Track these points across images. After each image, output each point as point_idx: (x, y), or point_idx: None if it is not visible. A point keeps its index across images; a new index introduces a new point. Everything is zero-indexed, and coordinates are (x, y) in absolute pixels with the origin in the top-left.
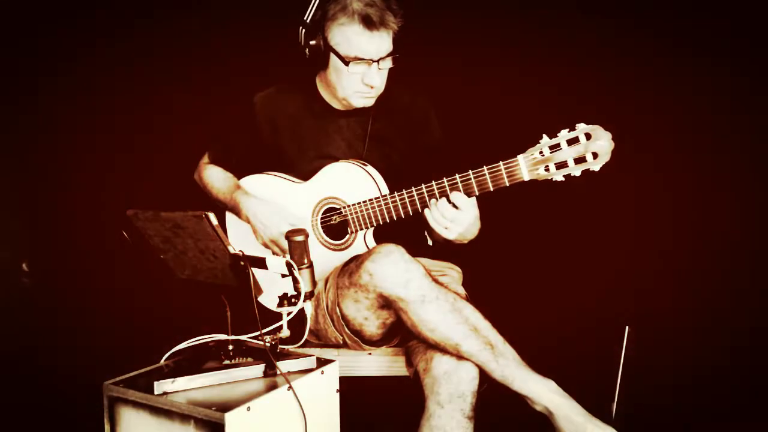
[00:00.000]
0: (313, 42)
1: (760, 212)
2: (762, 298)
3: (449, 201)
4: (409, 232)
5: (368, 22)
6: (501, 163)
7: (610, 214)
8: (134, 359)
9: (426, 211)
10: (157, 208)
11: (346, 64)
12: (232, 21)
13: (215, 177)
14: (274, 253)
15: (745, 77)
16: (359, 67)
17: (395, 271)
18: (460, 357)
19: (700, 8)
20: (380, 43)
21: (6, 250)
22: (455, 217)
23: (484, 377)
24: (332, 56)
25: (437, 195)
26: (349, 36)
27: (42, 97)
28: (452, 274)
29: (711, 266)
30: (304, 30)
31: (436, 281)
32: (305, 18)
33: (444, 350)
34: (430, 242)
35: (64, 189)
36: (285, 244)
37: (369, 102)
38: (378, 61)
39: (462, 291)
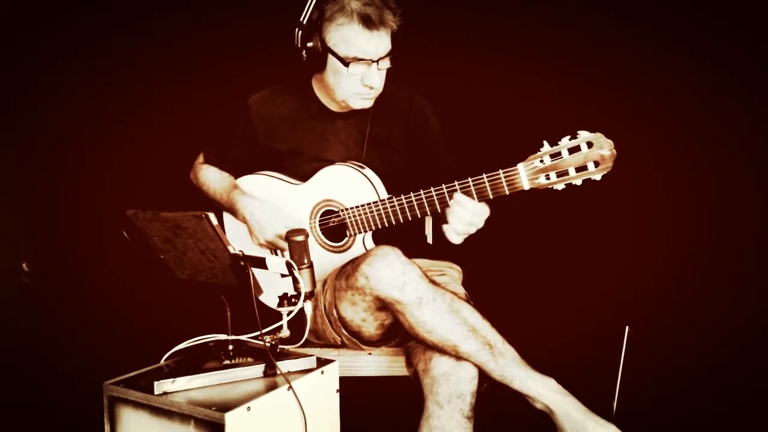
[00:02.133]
0: (310, 44)
1: (760, 213)
2: (762, 298)
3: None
4: (407, 232)
5: (368, 22)
6: (500, 171)
7: (611, 215)
8: (134, 359)
9: (451, 219)
10: (157, 208)
11: (346, 65)
12: (231, 21)
13: (211, 177)
14: (272, 252)
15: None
16: (359, 67)
17: (391, 274)
18: (459, 357)
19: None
20: (379, 42)
21: (6, 250)
22: (474, 221)
23: (484, 377)
24: (330, 58)
25: (436, 201)
26: (348, 36)
27: (42, 97)
28: (452, 273)
29: (711, 267)
30: (300, 31)
31: (433, 282)
32: (301, 19)
33: (443, 351)
34: (430, 240)
35: (64, 189)
36: (281, 245)
37: (368, 103)
38: (377, 61)
39: (461, 290)
